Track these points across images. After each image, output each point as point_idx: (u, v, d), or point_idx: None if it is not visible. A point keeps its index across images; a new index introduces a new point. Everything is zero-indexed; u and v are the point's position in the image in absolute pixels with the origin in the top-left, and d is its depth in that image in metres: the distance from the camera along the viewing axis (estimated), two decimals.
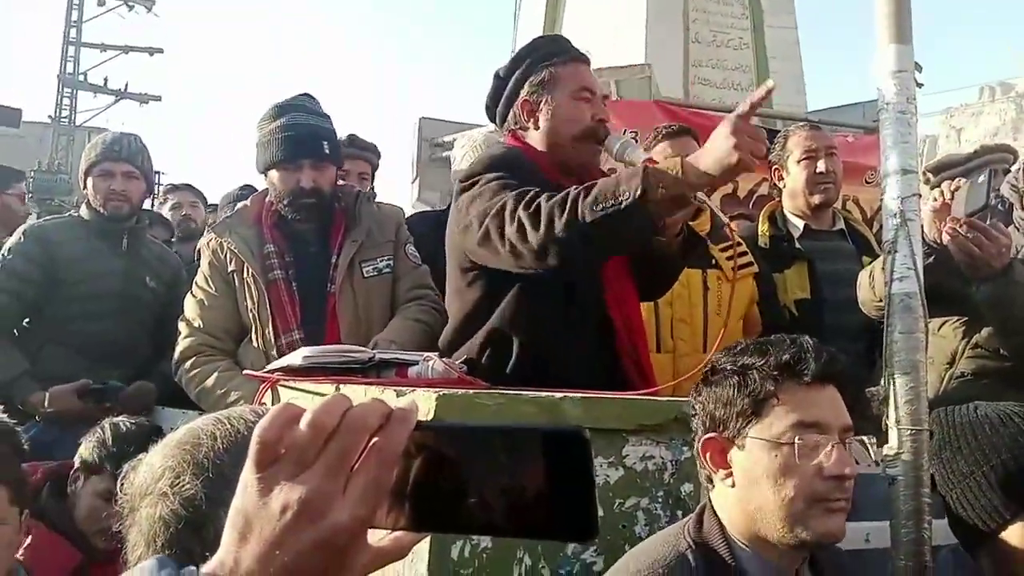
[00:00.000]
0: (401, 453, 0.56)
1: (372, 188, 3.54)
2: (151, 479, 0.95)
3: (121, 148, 3.04)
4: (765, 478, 1.24)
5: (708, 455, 1.32)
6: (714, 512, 1.31)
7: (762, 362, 1.28)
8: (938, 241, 2.01)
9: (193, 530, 0.89)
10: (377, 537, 0.59)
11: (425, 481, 0.57)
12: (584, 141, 2.02)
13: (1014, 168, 2.52)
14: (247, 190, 3.62)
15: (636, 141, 2.44)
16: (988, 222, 2.05)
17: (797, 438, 1.23)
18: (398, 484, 0.57)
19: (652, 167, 1.64)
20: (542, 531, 0.56)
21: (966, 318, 2.23)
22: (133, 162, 3.05)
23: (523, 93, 2.09)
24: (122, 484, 1.00)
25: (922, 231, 1.67)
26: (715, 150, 1.59)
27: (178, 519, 0.91)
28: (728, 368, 1.32)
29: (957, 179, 2.14)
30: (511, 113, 2.13)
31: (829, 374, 1.28)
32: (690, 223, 2.03)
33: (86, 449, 1.98)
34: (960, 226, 1.99)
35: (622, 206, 1.59)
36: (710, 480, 1.34)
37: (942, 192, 2.03)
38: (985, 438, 1.47)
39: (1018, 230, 2.31)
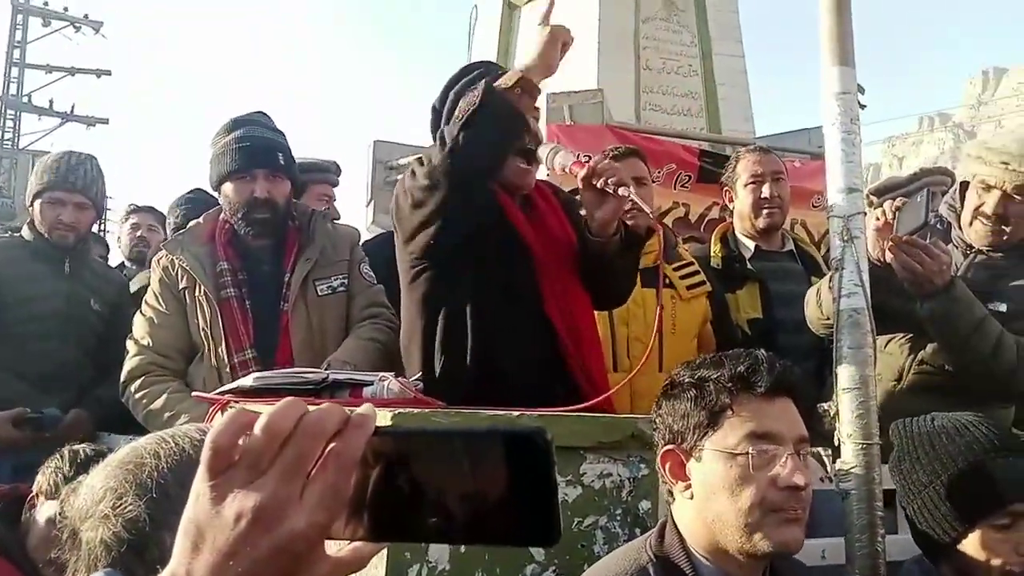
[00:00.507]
0: (359, 459, 0.55)
1: (333, 207, 3.51)
2: (92, 501, 0.91)
3: (76, 179, 2.93)
4: (722, 488, 1.25)
5: (667, 467, 1.33)
6: (675, 526, 1.32)
7: (717, 375, 1.30)
8: (881, 260, 2.06)
9: (136, 553, 0.86)
10: (336, 548, 0.57)
11: (384, 489, 0.55)
12: (512, 157, 2.04)
13: (952, 189, 2.59)
14: (197, 194, 3.53)
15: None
16: (928, 240, 2.10)
17: (752, 449, 1.24)
18: (356, 493, 0.55)
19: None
20: (504, 537, 0.54)
21: (911, 335, 2.28)
22: (87, 193, 2.96)
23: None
24: (62, 508, 0.96)
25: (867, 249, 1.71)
26: (532, 40, 1.89)
27: (120, 542, 0.87)
28: (686, 381, 1.33)
29: (899, 199, 2.19)
30: (456, 113, 2.16)
31: (783, 386, 1.30)
32: (629, 227, 2.03)
33: (43, 475, 1.90)
34: (902, 244, 2.04)
35: (476, 103, 1.80)
36: (671, 494, 1.35)
37: (884, 211, 2.08)
38: (942, 448, 1.50)
39: (957, 248, 2.36)
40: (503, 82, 1.85)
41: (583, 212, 2.04)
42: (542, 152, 2.02)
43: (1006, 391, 2.24)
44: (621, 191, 1.83)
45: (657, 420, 1.37)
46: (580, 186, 1.93)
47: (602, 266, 2.03)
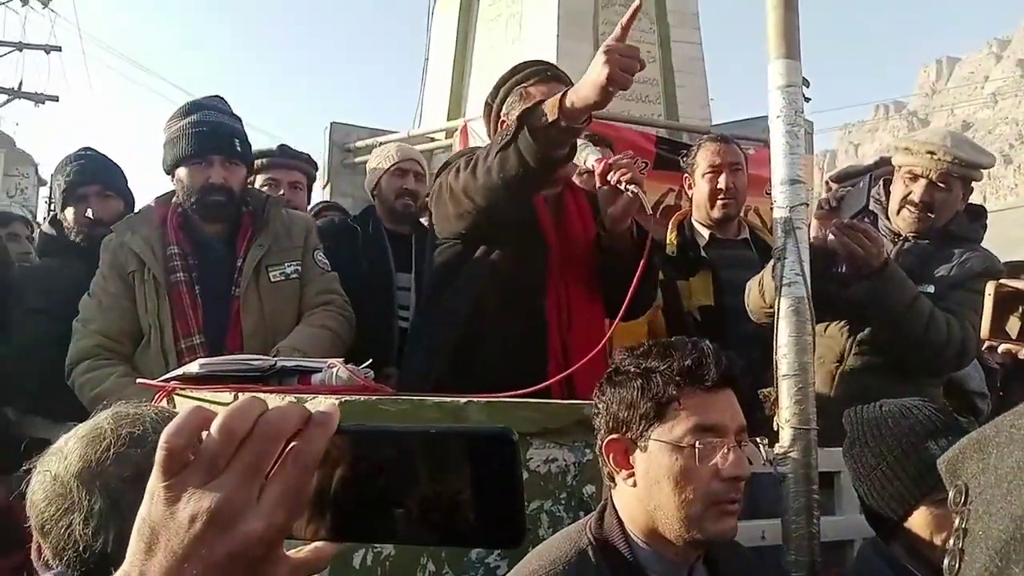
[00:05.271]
0: (320, 459, 0.54)
1: (309, 198, 3.47)
2: (96, 452, 0.90)
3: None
4: (666, 480, 1.28)
5: (611, 456, 1.34)
6: (615, 510, 1.35)
7: (665, 366, 1.31)
8: (824, 245, 2.14)
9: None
10: (295, 548, 0.57)
11: (347, 488, 0.54)
12: None
13: (877, 185, 2.70)
14: (89, 151, 3.24)
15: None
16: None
17: (697, 442, 1.27)
18: (318, 492, 0.54)
19: (537, 101, 1.83)
20: (467, 538, 0.54)
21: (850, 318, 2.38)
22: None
23: (502, 114, 2.22)
24: (33, 487, 0.95)
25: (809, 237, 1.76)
26: (589, 74, 1.71)
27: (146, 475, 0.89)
28: (632, 370, 1.34)
29: (840, 188, 2.28)
30: (497, 134, 2.21)
31: (727, 378, 1.33)
32: (645, 229, 2.08)
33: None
34: (843, 227, 2.14)
35: (510, 137, 1.80)
36: (612, 478, 1.37)
37: (827, 200, 2.17)
38: (888, 431, 1.56)
39: (885, 238, 2.49)
40: (547, 112, 1.75)
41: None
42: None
43: (937, 366, 2.36)
44: (630, 189, 1.87)
45: (600, 406, 1.38)
46: (598, 182, 1.97)
47: (614, 266, 2.06)
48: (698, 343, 1.35)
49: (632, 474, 1.32)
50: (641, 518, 1.31)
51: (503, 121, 2.20)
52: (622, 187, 1.89)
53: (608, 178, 1.91)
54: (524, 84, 2.19)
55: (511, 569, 1.37)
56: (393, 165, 3.09)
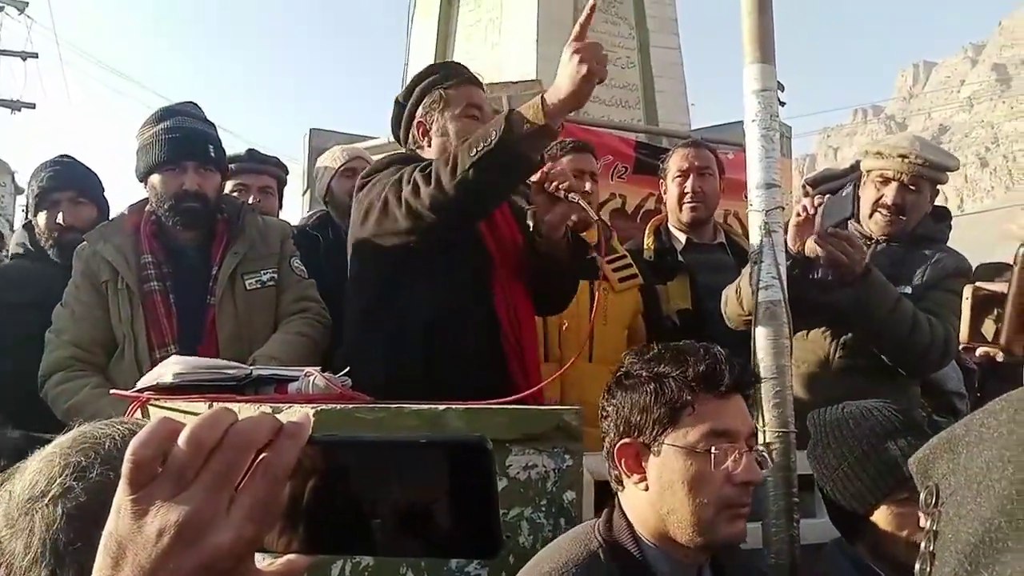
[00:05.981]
0: (292, 470, 0.53)
1: (280, 203, 3.45)
2: (45, 479, 0.88)
3: None
4: (679, 484, 1.28)
5: (623, 460, 1.35)
6: (623, 512, 1.36)
7: (679, 372, 1.32)
8: (801, 251, 2.15)
9: (95, 522, 0.85)
10: (267, 561, 0.56)
11: (320, 499, 0.54)
12: None
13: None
14: (65, 157, 3.08)
15: None
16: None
17: (712, 447, 1.28)
18: (291, 504, 0.53)
19: (516, 109, 1.79)
20: (444, 549, 0.53)
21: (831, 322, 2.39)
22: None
23: (418, 115, 2.20)
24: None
25: (785, 242, 1.77)
26: (564, 74, 1.72)
27: (84, 512, 0.84)
28: (644, 375, 1.35)
29: (817, 197, 2.31)
30: (411, 135, 2.23)
31: (739, 384, 1.34)
32: (579, 234, 2.12)
33: None
34: (827, 236, 2.16)
35: (492, 144, 1.73)
36: (620, 482, 1.37)
37: (804, 207, 2.18)
38: (849, 432, 1.58)
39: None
40: (528, 118, 1.75)
41: (531, 218, 2.12)
42: None
43: (922, 367, 2.39)
44: (571, 196, 1.89)
45: (610, 408, 1.38)
46: (532, 190, 1.99)
47: (550, 269, 2.09)
48: (710, 349, 1.36)
49: (644, 478, 1.33)
50: (652, 521, 1.32)
51: (420, 123, 2.19)
52: (562, 195, 1.91)
53: (545, 187, 1.94)
54: (442, 86, 2.17)
55: (514, 573, 1.36)
56: (342, 166, 3.09)
